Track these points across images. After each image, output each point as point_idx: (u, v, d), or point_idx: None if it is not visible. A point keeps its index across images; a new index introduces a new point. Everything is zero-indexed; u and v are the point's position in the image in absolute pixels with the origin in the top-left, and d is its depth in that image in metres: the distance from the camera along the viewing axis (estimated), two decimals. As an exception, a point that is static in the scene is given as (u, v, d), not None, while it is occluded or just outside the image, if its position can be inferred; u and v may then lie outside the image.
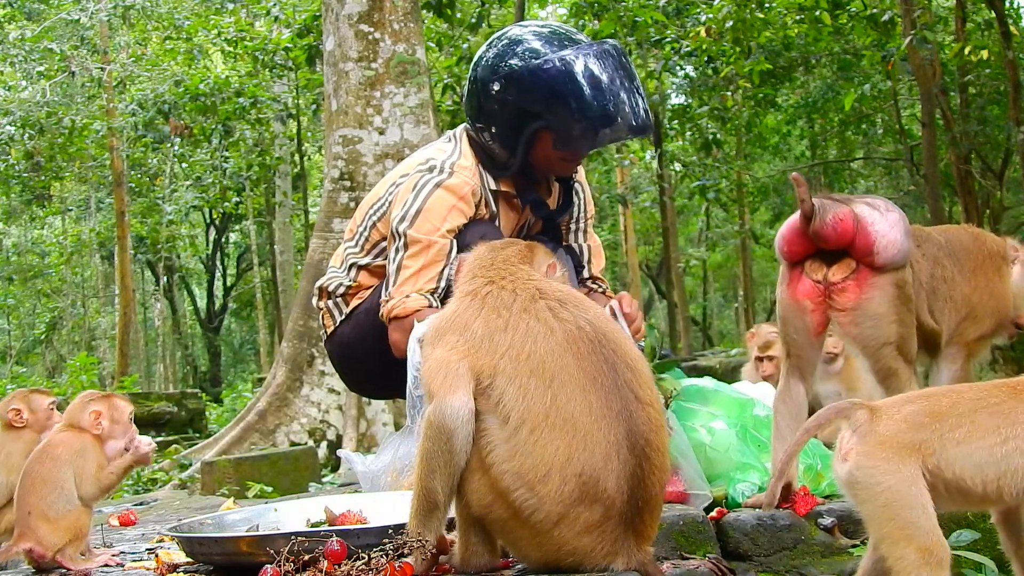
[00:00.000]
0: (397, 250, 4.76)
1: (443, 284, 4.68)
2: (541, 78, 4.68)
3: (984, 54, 18.50)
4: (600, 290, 5.39)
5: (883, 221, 3.52)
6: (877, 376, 3.63)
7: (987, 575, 3.39)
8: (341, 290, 5.09)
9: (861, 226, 3.50)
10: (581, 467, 2.75)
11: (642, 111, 4.80)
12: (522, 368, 2.84)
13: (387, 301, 4.75)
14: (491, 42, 5.01)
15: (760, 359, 6.68)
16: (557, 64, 4.66)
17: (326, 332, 5.23)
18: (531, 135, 4.74)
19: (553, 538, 2.78)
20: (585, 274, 5.39)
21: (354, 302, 5.04)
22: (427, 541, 2.91)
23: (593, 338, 2.90)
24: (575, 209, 5.34)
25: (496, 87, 4.79)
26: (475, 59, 5.02)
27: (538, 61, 4.71)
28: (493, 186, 4.91)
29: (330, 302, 5.14)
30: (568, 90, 4.65)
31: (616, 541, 2.78)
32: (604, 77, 4.68)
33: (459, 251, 4.69)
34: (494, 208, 4.93)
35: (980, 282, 4.08)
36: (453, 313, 3.05)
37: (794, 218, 3.62)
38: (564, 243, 5.32)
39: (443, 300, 4.68)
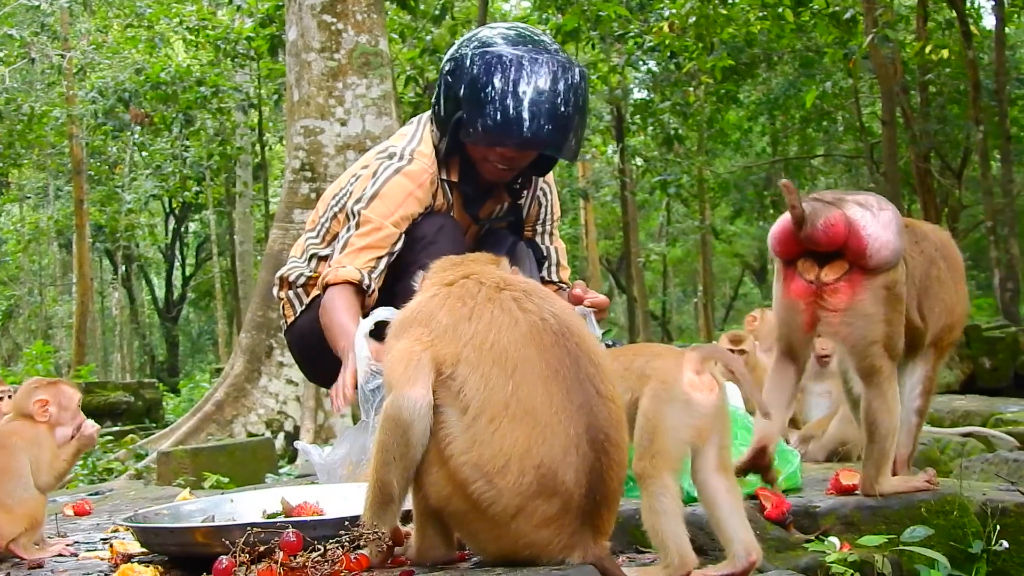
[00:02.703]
0: (348, 228, 4.79)
1: (381, 268, 4.72)
2: (474, 66, 4.69)
3: (945, 53, 18.64)
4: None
5: (875, 223, 3.50)
6: (860, 373, 3.64)
7: (940, 570, 3.41)
8: (302, 280, 5.08)
9: (853, 230, 3.48)
10: (540, 459, 2.74)
11: (567, 136, 4.77)
12: (484, 357, 2.82)
13: (326, 269, 4.79)
14: (464, 38, 5.04)
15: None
16: (493, 58, 4.67)
17: (286, 322, 5.21)
18: (456, 121, 4.74)
19: (510, 531, 2.77)
20: (554, 277, 5.38)
21: (314, 292, 5.02)
22: (382, 533, 2.90)
23: (557, 331, 2.88)
24: (541, 211, 5.35)
25: (446, 68, 4.85)
26: None
27: (482, 51, 4.72)
28: (447, 176, 4.91)
29: (291, 292, 5.13)
30: (487, 83, 4.65)
31: (573, 535, 2.78)
32: (535, 87, 4.65)
33: (416, 242, 4.73)
34: (450, 197, 4.94)
35: (963, 290, 4.09)
36: (419, 304, 3.04)
37: (785, 218, 3.60)
38: (526, 236, 5.32)
39: (383, 291, 4.74)
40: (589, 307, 4.86)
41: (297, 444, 4.91)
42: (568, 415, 2.77)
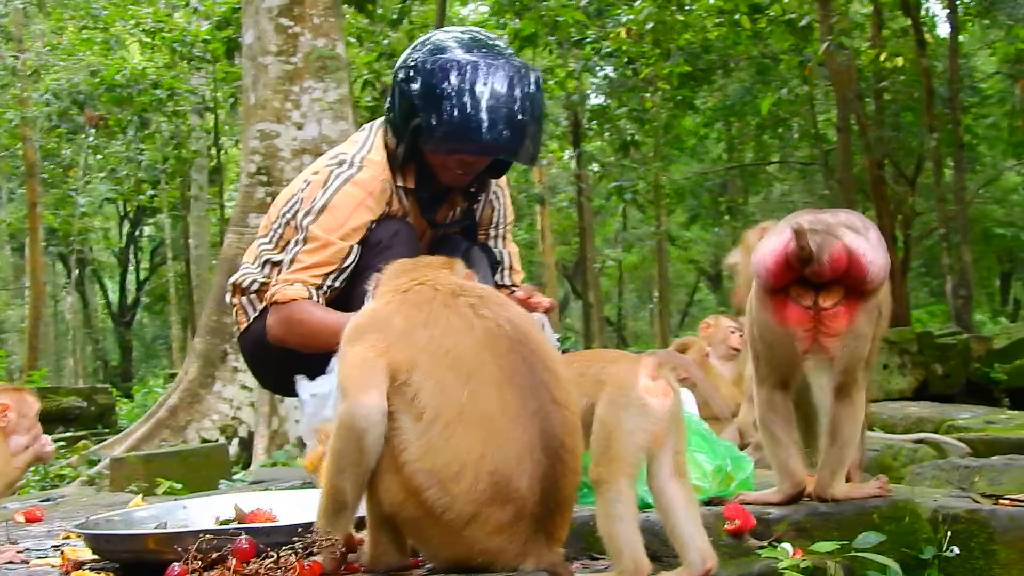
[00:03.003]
0: (296, 242, 4.77)
1: (329, 284, 4.72)
2: (429, 72, 4.67)
3: (899, 61, 18.83)
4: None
5: (870, 247, 3.51)
6: (838, 387, 3.64)
7: (892, 576, 3.43)
8: (255, 286, 5.05)
9: (854, 259, 3.48)
10: (494, 465, 2.74)
11: (524, 141, 4.78)
12: (440, 363, 2.83)
13: (272, 286, 4.78)
14: (417, 42, 5.03)
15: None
16: (450, 62, 4.66)
17: (239, 329, 5.19)
18: (413, 129, 4.73)
19: (464, 538, 2.77)
20: (507, 280, 5.38)
21: (264, 305, 5.00)
22: (335, 540, 2.90)
23: (513, 337, 2.90)
24: (495, 215, 5.35)
25: (400, 76, 4.82)
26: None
27: (437, 56, 4.72)
28: (402, 182, 4.90)
29: (244, 299, 5.10)
30: (444, 88, 4.64)
31: (527, 542, 2.78)
32: (492, 92, 4.65)
33: (371, 247, 4.71)
34: (406, 203, 4.93)
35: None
36: (374, 311, 3.04)
37: (777, 248, 3.57)
38: (480, 240, 5.32)
39: (330, 303, 4.74)
40: (544, 312, 4.86)
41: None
42: (523, 422, 2.78)
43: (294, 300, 4.66)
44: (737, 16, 19.92)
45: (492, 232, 5.37)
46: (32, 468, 3.85)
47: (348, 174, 4.77)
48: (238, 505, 3.66)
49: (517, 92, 4.70)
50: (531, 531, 2.78)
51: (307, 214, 4.73)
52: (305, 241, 4.72)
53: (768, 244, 3.60)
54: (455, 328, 2.90)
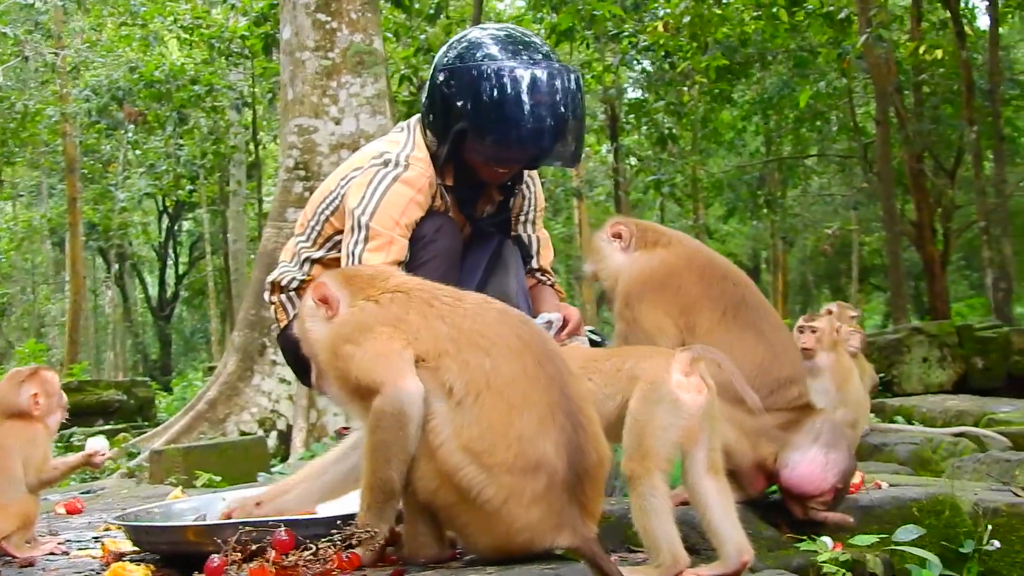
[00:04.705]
0: (357, 242, 4.73)
1: None
2: (474, 79, 4.67)
3: (939, 53, 18.65)
4: (548, 283, 5.42)
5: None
6: None
7: (931, 570, 3.42)
8: (294, 284, 5.06)
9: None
10: (521, 431, 2.81)
11: (569, 145, 4.79)
12: (463, 343, 2.92)
13: None
14: (453, 40, 5.03)
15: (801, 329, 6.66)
16: (493, 70, 4.65)
17: (279, 326, 5.20)
18: (457, 133, 4.73)
19: (502, 517, 2.79)
20: (534, 264, 5.39)
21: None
22: (380, 532, 2.92)
23: (522, 317, 3.10)
24: (525, 203, 5.35)
25: (440, 78, 4.81)
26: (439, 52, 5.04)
27: (478, 62, 4.71)
28: (441, 180, 4.91)
29: (283, 296, 5.11)
30: (492, 98, 4.64)
31: (562, 512, 2.81)
32: (536, 99, 4.64)
33: (416, 240, 4.73)
34: (447, 199, 4.93)
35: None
36: (376, 309, 3.08)
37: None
38: (513, 233, 5.32)
39: None
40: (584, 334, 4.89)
41: None
42: (543, 384, 2.88)
43: None
44: (775, 9, 19.83)
45: (522, 218, 5.38)
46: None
47: (396, 173, 4.77)
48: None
49: (562, 98, 4.70)
50: (565, 500, 2.83)
51: (363, 212, 4.72)
52: (367, 239, 4.70)
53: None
54: (472, 313, 3.01)
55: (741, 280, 3.97)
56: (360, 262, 4.68)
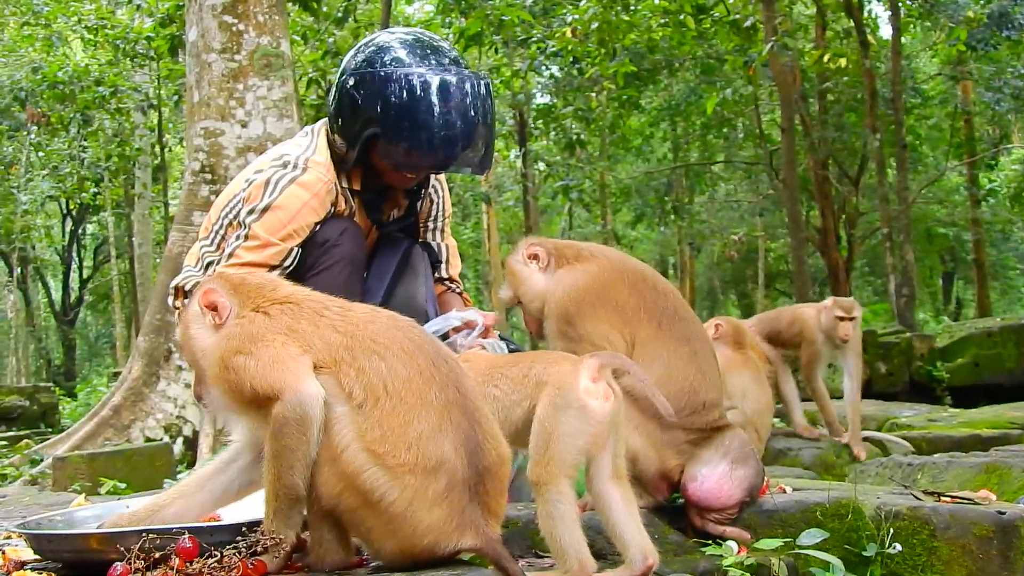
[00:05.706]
0: (237, 237, 4.73)
1: None
2: (382, 83, 4.65)
3: (843, 62, 18.95)
4: (457, 291, 5.42)
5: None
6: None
7: (834, 573, 3.46)
8: (197, 290, 5.02)
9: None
10: (420, 431, 2.81)
11: (478, 151, 4.78)
12: (357, 350, 2.93)
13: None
14: (361, 44, 5.01)
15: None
16: (402, 75, 4.64)
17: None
18: (364, 138, 4.72)
19: (407, 519, 2.80)
20: (443, 274, 5.39)
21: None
22: (287, 539, 2.91)
23: (409, 322, 3.09)
24: (433, 208, 5.35)
25: (348, 82, 4.78)
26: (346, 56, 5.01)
27: (386, 67, 4.69)
28: (347, 184, 4.89)
29: (186, 301, 5.07)
30: (401, 103, 4.62)
31: (464, 512, 2.82)
32: (446, 105, 4.63)
33: (318, 245, 4.71)
34: (352, 203, 4.91)
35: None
36: (266, 321, 3.06)
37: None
38: (420, 239, 5.32)
39: None
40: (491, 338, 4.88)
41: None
42: (439, 384, 2.90)
43: None
44: (682, 16, 20.02)
45: (431, 225, 5.38)
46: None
47: (293, 175, 4.74)
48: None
49: (471, 104, 4.69)
50: (466, 500, 2.84)
51: (250, 212, 4.69)
52: (246, 238, 4.68)
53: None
54: (363, 319, 3.03)
55: (669, 290, 3.97)
56: (232, 257, 4.68)
